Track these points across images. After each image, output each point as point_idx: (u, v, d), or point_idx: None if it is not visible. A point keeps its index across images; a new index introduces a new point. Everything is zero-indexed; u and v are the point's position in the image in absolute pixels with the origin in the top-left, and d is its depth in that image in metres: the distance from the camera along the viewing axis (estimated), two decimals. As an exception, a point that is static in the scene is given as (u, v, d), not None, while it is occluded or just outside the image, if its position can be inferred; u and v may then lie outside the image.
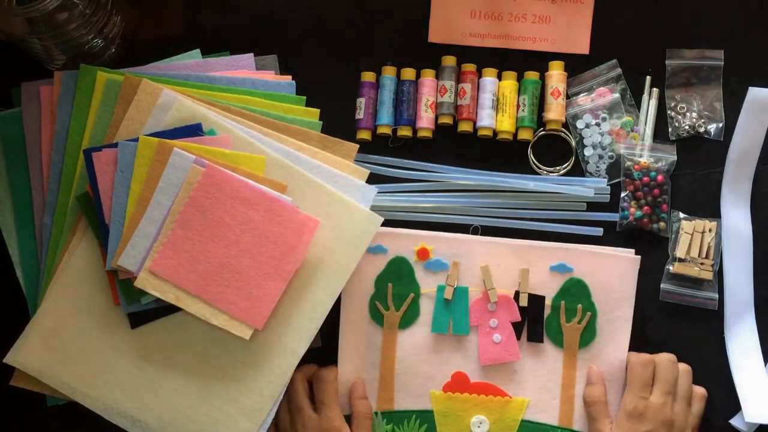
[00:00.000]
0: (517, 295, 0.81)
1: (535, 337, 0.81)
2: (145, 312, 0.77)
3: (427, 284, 0.82)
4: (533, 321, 0.81)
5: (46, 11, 0.71)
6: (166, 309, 0.77)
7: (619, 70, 0.84)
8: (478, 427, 0.80)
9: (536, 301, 0.81)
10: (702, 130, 0.84)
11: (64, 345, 0.77)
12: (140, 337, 0.78)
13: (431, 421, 0.81)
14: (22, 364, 0.76)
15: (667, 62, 0.84)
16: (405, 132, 0.84)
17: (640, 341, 0.82)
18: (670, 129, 0.84)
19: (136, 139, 0.76)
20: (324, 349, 0.82)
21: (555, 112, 0.83)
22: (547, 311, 0.81)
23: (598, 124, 0.83)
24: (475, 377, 0.81)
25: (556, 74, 0.83)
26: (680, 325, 0.83)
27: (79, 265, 0.78)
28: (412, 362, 0.81)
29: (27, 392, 0.78)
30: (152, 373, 0.77)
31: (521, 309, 0.81)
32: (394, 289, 0.82)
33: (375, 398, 0.81)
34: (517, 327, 0.81)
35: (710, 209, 0.84)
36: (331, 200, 0.78)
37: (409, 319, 0.82)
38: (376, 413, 0.81)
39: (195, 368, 0.77)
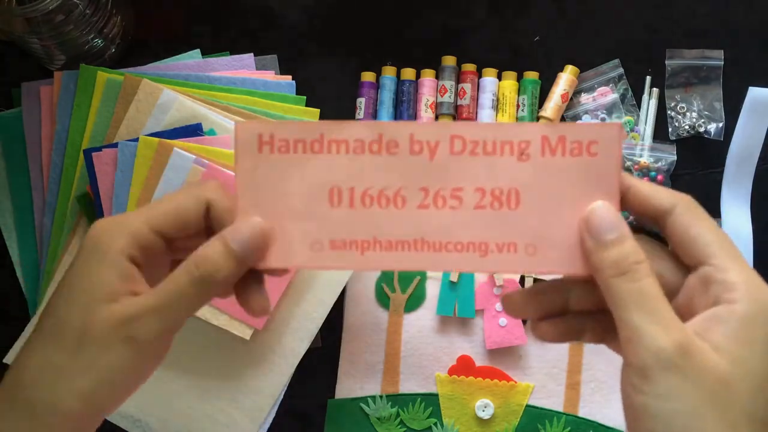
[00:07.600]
0: (522, 279, 0.81)
1: None
2: (145, 312, 0.77)
3: None
4: None
5: (46, 11, 0.71)
6: (166, 309, 0.77)
7: (621, 70, 0.84)
8: (483, 410, 0.80)
9: None
10: (702, 130, 0.84)
11: (64, 345, 0.77)
12: (140, 337, 0.77)
13: (436, 404, 0.81)
14: (22, 364, 0.76)
15: (667, 62, 0.84)
16: (405, 132, 0.84)
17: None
18: (670, 129, 0.84)
19: (136, 139, 0.76)
20: (324, 349, 0.82)
21: (551, 111, 0.82)
22: None
23: (597, 124, 0.83)
24: (480, 361, 0.81)
25: (571, 79, 0.83)
26: (680, 325, 0.83)
27: (79, 265, 0.77)
28: (418, 345, 0.81)
29: (27, 392, 0.78)
30: (152, 373, 0.77)
31: None
32: (401, 272, 0.82)
33: (380, 381, 0.81)
34: None
35: (710, 209, 0.82)
36: (331, 200, 0.78)
37: (414, 302, 0.82)
38: (381, 396, 0.81)
39: (195, 368, 0.77)
